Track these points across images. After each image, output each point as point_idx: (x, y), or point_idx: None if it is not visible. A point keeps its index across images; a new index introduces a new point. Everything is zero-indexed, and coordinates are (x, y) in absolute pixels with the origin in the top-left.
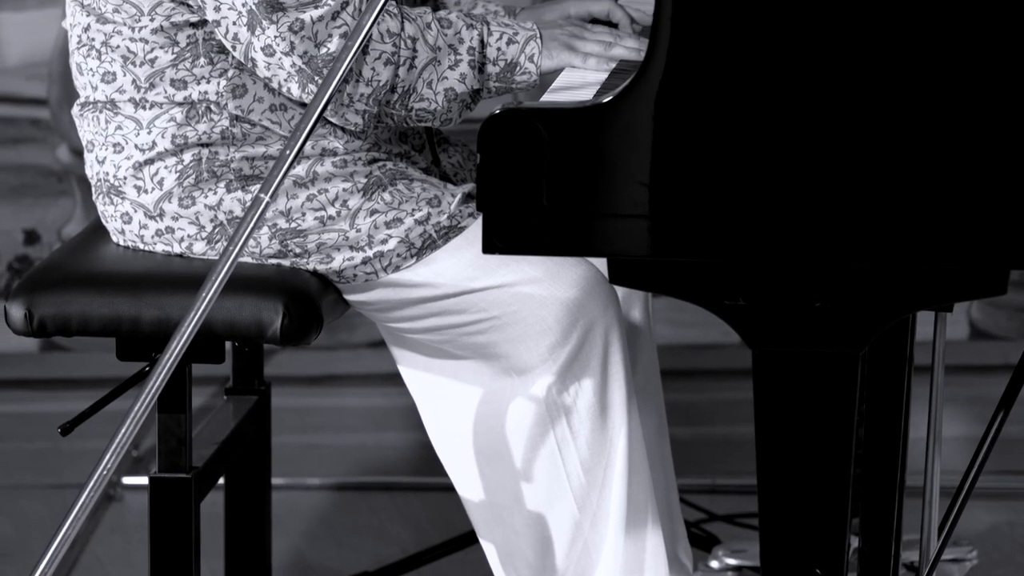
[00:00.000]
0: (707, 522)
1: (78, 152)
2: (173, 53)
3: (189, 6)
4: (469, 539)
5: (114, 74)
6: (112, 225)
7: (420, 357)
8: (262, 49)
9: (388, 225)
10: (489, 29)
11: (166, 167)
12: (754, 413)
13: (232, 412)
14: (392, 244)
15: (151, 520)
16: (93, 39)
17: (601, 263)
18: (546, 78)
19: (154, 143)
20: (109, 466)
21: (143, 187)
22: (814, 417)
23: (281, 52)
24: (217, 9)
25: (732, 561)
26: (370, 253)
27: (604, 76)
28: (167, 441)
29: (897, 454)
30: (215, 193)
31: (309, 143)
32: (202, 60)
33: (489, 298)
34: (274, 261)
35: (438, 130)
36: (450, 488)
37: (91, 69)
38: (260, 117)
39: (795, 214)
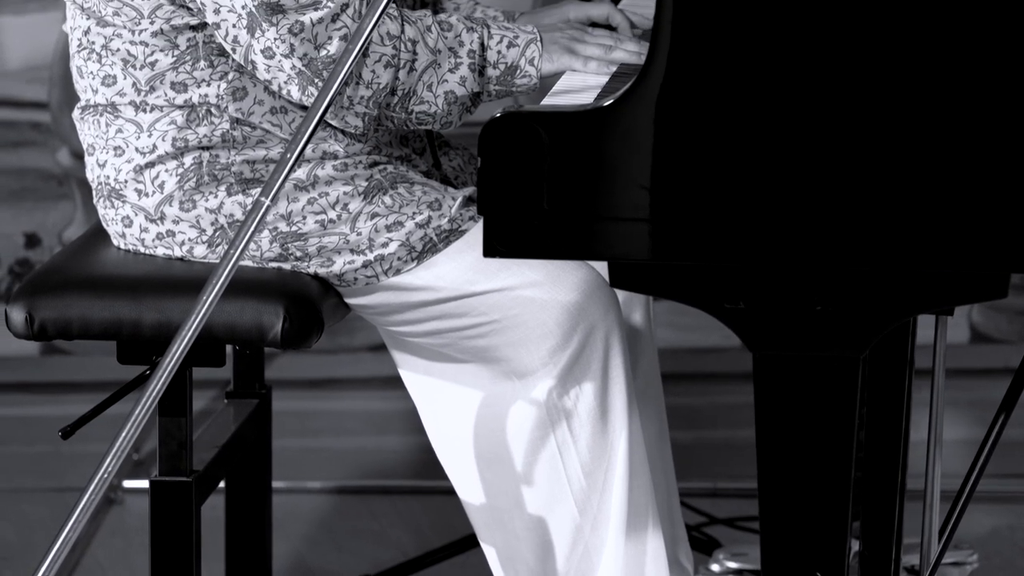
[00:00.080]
0: (708, 525)
1: (79, 155)
2: (173, 56)
3: (189, 9)
4: (470, 543)
5: (114, 77)
6: (113, 228)
7: (421, 361)
8: (262, 51)
9: (389, 228)
10: (489, 32)
11: (167, 170)
12: (755, 417)
13: (233, 416)
14: (393, 247)
15: (152, 524)
16: (93, 42)
17: (602, 267)
18: (546, 81)
19: (155, 146)
20: (110, 469)
21: (144, 190)
22: (815, 421)
23: (281, 54)
24: (217, 12)
25: (733, 564)
26: (371, 256)
27: (605, 80)
28: (168, 444)
29: (898, 457)
30: (216, 196)
31: (310, 146)
32: (202, 63)
33: (490, 301)
34: (275, 264)
35: (439, 133)
36: (451, 492)
37: (91, 72)
38: (261, 120)
39: (796, 217)
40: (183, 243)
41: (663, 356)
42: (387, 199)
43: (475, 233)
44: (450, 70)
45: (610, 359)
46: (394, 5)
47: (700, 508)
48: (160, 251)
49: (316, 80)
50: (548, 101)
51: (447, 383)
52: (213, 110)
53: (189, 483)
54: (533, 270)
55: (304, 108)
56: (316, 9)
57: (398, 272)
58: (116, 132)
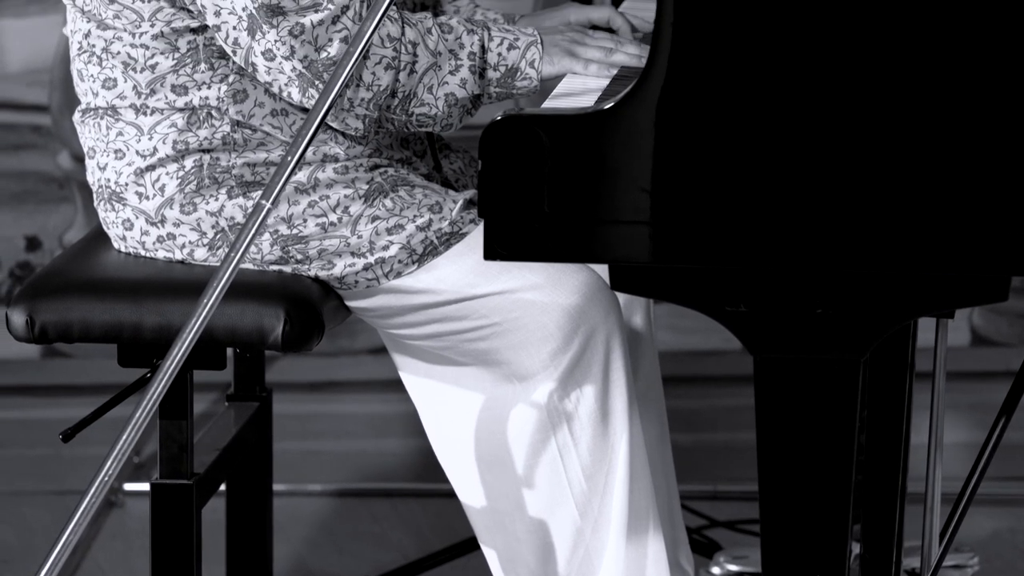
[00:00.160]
0: (708, 528)
1: (79, 158)
2: (174, 59)
3: (189, 11)
4: (470, 545)
5: (115, 80)
6: (113, 231)
7: (421, 363)
8: (262, 53)
9: (390, 231)
10: (490, 34)
11: (167, 173)
12: (755, 419)
13: (233, 418)
14: (393, 250)
15: (152, 526)
16: (94, 45)
17: (603, 269)
18: (547, 84)
19: (155, 149)
20: (110, 472)
21: (144, 193)
22: (815, 423)
23: (281, 56)
24: (217, 14)
25: (733, 567)
26: (371, 259)
27: (605, 83)
28: (168, 447)
29: (898, 460)
30: (216, 199)
31: (310, 149)
32: (203, 66)
33: (490, 304)
34: (275, 267)
35: (439, 136)
36: (451, 494)
37: (92, 75)
38: (261, 122)
39: (796, 220)
40: (184, 246)
41: (664, 359)
42: (388, 202)
43: (476, 236)
44: (451, 72)
45: (611, 362)
46: (394, 7)
47: (701, 511)
48: (161, 254)
49: (316, 82)
50: (549, 104)
51: (448, 386)
52: (214, 113)
53: (190, 486)
54: (534, 273)
55: (305, 110)
56: (316, 11)
57: (399, 275)
58: (117, 135)
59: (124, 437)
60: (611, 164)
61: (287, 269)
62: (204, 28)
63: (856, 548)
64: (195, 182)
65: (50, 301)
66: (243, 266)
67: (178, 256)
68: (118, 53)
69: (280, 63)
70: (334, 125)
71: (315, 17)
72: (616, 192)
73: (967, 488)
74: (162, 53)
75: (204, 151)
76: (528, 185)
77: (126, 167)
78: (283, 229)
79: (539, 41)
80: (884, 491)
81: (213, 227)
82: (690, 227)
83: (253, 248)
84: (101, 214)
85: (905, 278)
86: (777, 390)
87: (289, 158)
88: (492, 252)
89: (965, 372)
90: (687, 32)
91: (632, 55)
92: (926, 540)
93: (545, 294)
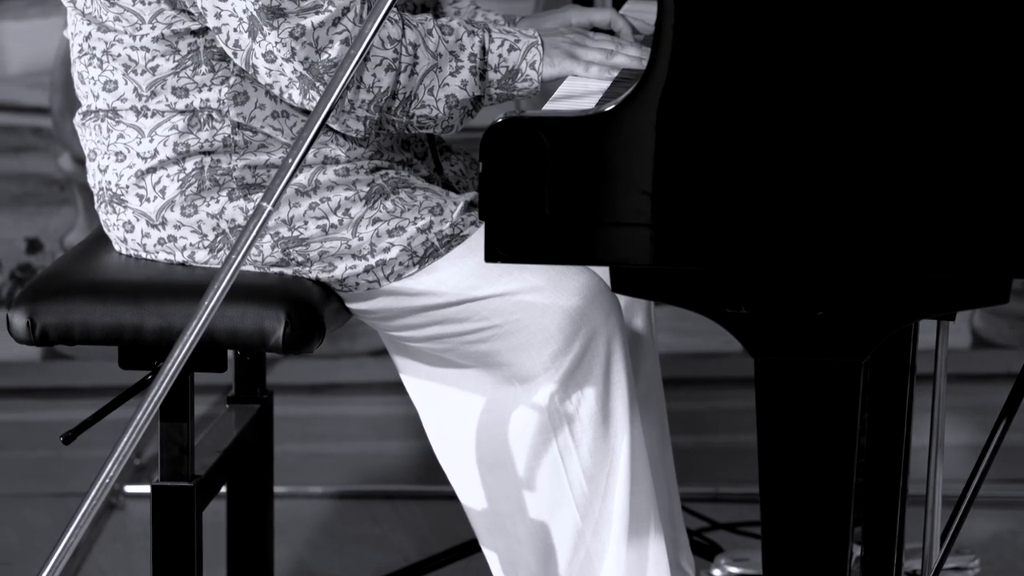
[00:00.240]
0: (709, 530)
1: (80, 161)
2: (174, 61)
3: (190, 14)
4: (471, 548)
5: (115, 83)
6: (114, 234)
7: (422, 366)
8: (263, 55)
9: (390, 233)
10: (491, 36)
11: (168, 175)
12: (756, 422)
13: (234, 421)
14: (394, 252)
15: (153, 529)
16: (94, 48)
17: (603, 271)
18: (548, 87)
19: (156, 151)
20: (111, 475)
21: (145, 196)
22: (816, 426)
23: (282, 58)
24: (218, 16)
25: (734, 570)
26: (372, 261)
27: (606, 85)
28: (169, 450)
29: (899, 462)
30: (217, 202)
31: (311, 151)
32: (203, 68)
33: (491, 306)
34: (276, 269)
35: (440, 137)
36: (452, 496)
37: (92, 78)
38: (262, 124)
39: (797, 223)
40: (185, 248)
41: (664, 361)
42: (389, 204)
43: (477, 238)
44: (451, 74)
45: (612, 364)
46: (395, 9)
47: (701, 513)
48: (162, 256)
49: (317, 84)
50: (550, 106)
51: (449, 388)
52: (214, 115)
53: (191, 488)
54: (535, 275)
55: (305, 112)
56: (317, 13)
57: (400, 277)
58: (117, 137)
59: (125, 439)
60: (612, 166)
61: (288, 271)
62: (205, 30)
63: (857, 550)
64: (196, 184)
65: (51, 303)
66: (244, 268)
67: (179, 258)
68: (119, 55)
69: (281, 65)
70: (335, 127)
71: (316, 19)
72: (617, 194)
73: (968, 490)
74: (163, 55)
75: (205, 153)
76: (529, 187)
77: (127, 169)
78: (284, 231)
79: (540, 43)
80: (885, 493)
81: (214, 229)
82: (691, 229)
83: (254, 250)
84: (102, 216)
85: (906, 280)
86: (778, 392)
87: (290, 160)
88: (493, 254)
89: (966, 374)
90: (688, 34)
91: (633, 57)
92: (927, 542)
93: (546, 296)
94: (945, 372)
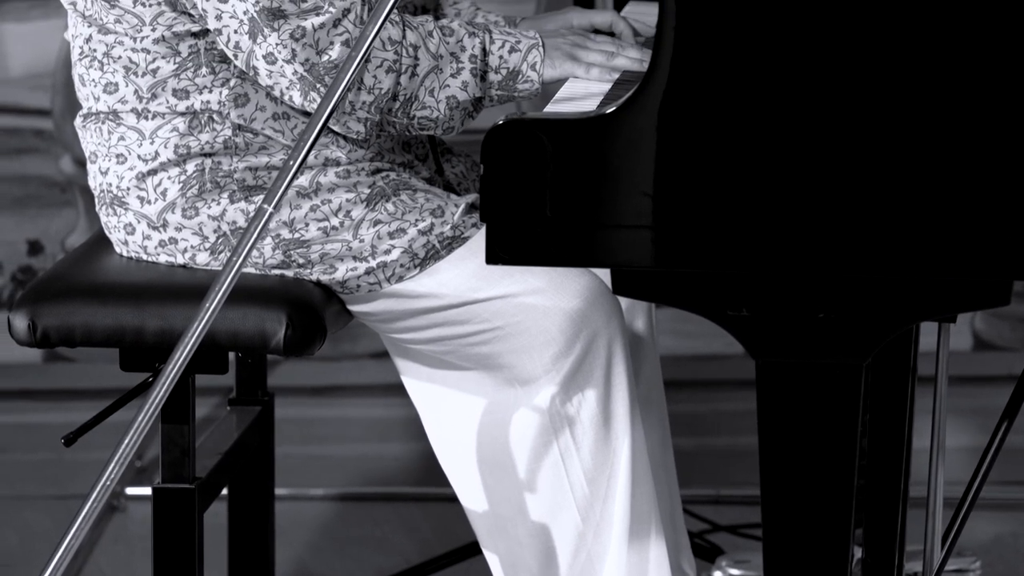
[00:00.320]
0: (711, 532)
1: (81, 163)
2: (175, 63)
3: (191, 16)
4: (472, 550)
5: (116, 85)
6: (115, 236)
7: (423, 368)
8: (264, 57)
9: (391, 235)
10: (491, 37)
11: (169, 177)
12: (758, 424)
13: (235, 423)
14: (395, 254)
15: (154, 531)
16: (95, 50)
17: (605, 274)
18: (549, 89)
19: (157, 153)
20: (112, 477)
21: (146, 198)
22: (818, 428)
23: (283, 60)
24: (219, 18)
25: (735, 572)
26: (373, 263)
27: (607, 87)
28: (170, 452)
29: (900, 465)
30: (218, 204)
31: (312, 153)
32: (204, 70)
33: (492, 308)
34: (277, 271)
35: (441, 139)
36: (453, 499)
37: (93, 80)
38: (263, 126)
39: (799, 225)
40: (186, 250)
41: (666, 363)
42: (390, 206)
43: (478, 240)
44: (452, 75)
45: (613, 366)
46: (396, 11)
47: (703, 515)
48: (163, 258)
49: (318, 85)
50: (551, 108)
51: (450, 390)
52: (215, 117)
53: (192, 490)
54: (536, 277)
55: (306, 114)
56: (318, 14)
57: (401, 279)
58: (118, 140)
59: (126, 441)
60: (613, 168)
61: (289, 273)
62: (205, 32)
63: (858, 552)
64: (197, 186)
65: (52, 305)
66: (245, 270)
67: (180, 260)
68: (119, 58)
69: (281, 66)
70: (336, 128)
71: (316, 20)
72: (618, 196)
73: (969, 492)
74: (163, 57)
75: (206, 155)
76: (530, 189)
77: (128, 171)
78: (285, 233)
79: (541, 44)
80: (886, 495)
81: (215, 231)
82: (692, 231)
83: (255, 252)
84: (103, 219)
85: (907, 282)
86: (779, 394)
87: (291, 162)
88: (494, 256)
89: (967, 376)
90: (689, 36)
91: (634, 59)
92: (928, 544)
93: (547, 298)
94: (946, 374)
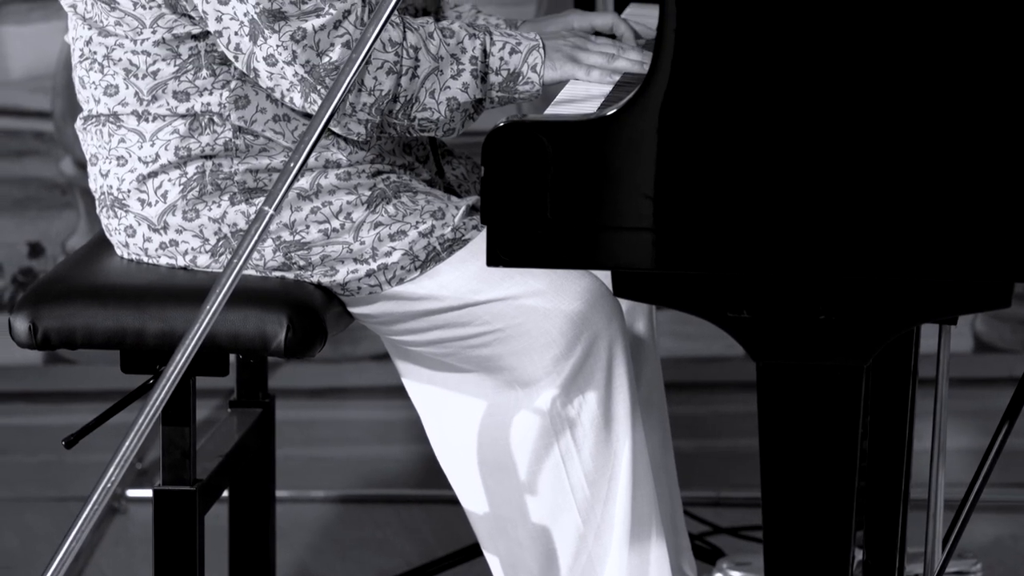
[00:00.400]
0: (711, 535)
1: (82, 165)
2: (175, 65)
3: (191, 18)
4: (473, 552)
5: (116, 87)
6: (116, 238)
7: (424, 370)
8: (264, 59)
9: (392, 238)
10: (492, 39)
11: (170, 180)
12: (758, 426)
13: (236, 425)
14: (396, 257)
15: (155, 533)
16: (95, 52)
17: (605, 276)
18: (549, 90)
19: (157, 156)
20: (113, 479)
21: (147, 200)
22: (818, 430)
23: (283, 61)
24: (219, 20)
25: (736, 574)
26: (374, 266)
27: (608, 89)
28: (171, 454)
29: (901, 466)
30: (219, 206)
31: (313, 155)
32: (204, 72)
33: (493, 311)
34: (278, 274)
35: (442, 141)
36: (454, 501)
37: (93, 82)
38: (263, 128)
39: (799, 227)
40: (186, 252)
41: (666, 365)
42: (390, 208)
43: (478, 242)
44: (452, 77)
45: (614, 368)
46: (396, 12)
47: (703, 517)
48: (163, 260)
49: (318, 87)
50: (551, 110)
51: (451, 392)
52: (215, 119)
53: (192, 492)
54: (536, 279)
55: (306, 116)
56: (318, 16)
57: (401, 281)
58: (119, 142)
59: (127, 443)
60: (614, 170)
61: (290, 275)
62: (205, 34)
63: (859, 554)
64: (197, 188)
65: (53, 307)
66: (246, 272)
67: (181, 263)
68: (119, 60)
69: (282, 68)
70: (336, 130)
71: (317, 22)
72: (619, 198)
73: (970, 494)
74: (164, 60)
75: (206, 157)
76: (531, 191)
77: (128, 174)
78: (286, 235)
79: (541, 45)
80: (887, 497)
81: (216, 234)
82: (693, 233)
83: (256, 254)
84: (103, 221)
85: (908, 284)
86: (780, 396)
87: (292, 164)
88: (495, 258)
89: (968, 378)
90: (690, 38)
91: (634, 61)
92: (929, 546)
93: (548, 300)
94: (947, 376)
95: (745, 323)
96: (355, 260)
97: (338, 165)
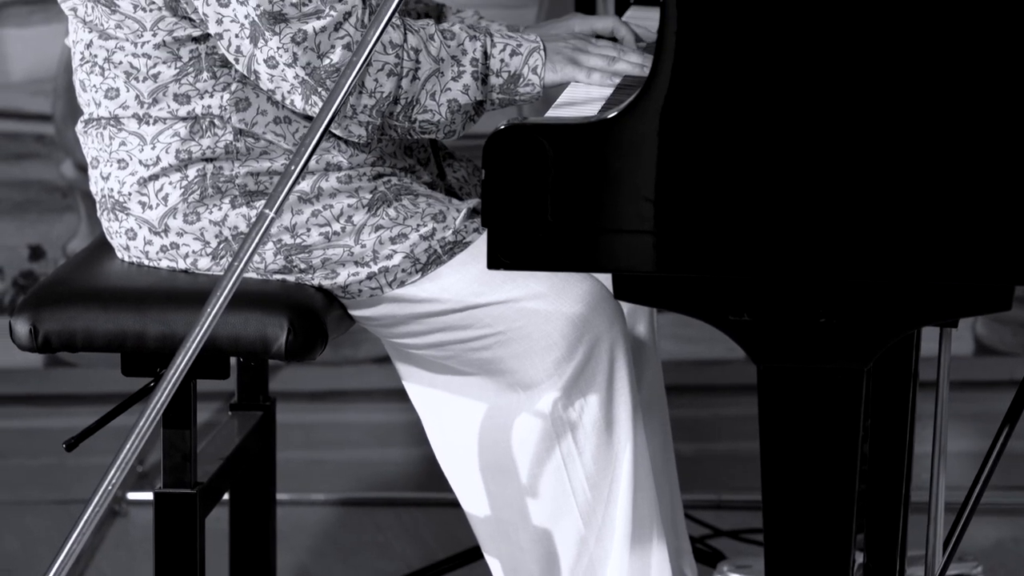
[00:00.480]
0: (712, 538)
1: (83, 168)
2: (176, 68)
3: (191, 20)
4: (474, 555)
5: (117, 90)
6: (117, 241)
7: (425, 373)
8: (265, 61)
9: (393, 241)
10: (493, 41)
11: (171, 183)
12: (759, 429)
13: (237, 428)
14: (397, 259)
15: (156, 536)
16: (96, 55)
17: (606, 278)
18: (550, 93)
19: (158, 158)
20: (114, 481)
21: (148, 203)
22: (819, 433)
23: (284, 63)
24: (219, 22)
25: None
26: (375, 268)
27: (609, 92)
28: (172, 457)
29: (902, 470)
30: (220, 209)
31: (313, 158)
32: (205, 74)
33: (494, 313)
34: (279, 277)
35: (443, 144)
36: (455, 504)
37: (94, 85)
38: (264, 130)
39: (800, 229)
40: (187, 255)
41: (667, 368)
42: (391, 211)
43: (479, 245)
44: (453, 78)
45: (615, 371)
46: (397, 14)
47: (704, 520)
48: (164, 263)
49: (319, 89)
50: (552, 113)
51: (451, 395)
52: (216, 121)
53: (193, 495)
54: (537, 282)
55: (307, 118)
56: (319, 18)
57: (402, 284)
58: (119, 145)
59: (128, 446)
60: (615, 173)
61: (290, 278)
62: (206, 37)
63: (859, 557)
64: (198, 191)
65: (54, 310)
66: (246, 275)
67: (181, 265)
68: (120, 63)
69: (283, 70)
70: (337, 132)
71: (317, 24)
72: (620, 201)
73: (971, 497)
74: (164, 62)
75: (207, 160)
76: (532, 194)
77: (129, 177)
78: (286, 238)
79: (542, 47)
80: (887, 500)
81: (216, 236)
82: (694, 236)
83: (256, 257)
84: (104, 224)
85: (909, 287)
86: (781, 399)
87: (292, 167)
88: (496, 261)
89: (969, 381)
90: (690, 41)
91: (635, 64)
92: (930, 549)
93: (549, 303)
94: (948, 379)
95: (746, 326)
96: (356, 263)
97: (339, 168)
